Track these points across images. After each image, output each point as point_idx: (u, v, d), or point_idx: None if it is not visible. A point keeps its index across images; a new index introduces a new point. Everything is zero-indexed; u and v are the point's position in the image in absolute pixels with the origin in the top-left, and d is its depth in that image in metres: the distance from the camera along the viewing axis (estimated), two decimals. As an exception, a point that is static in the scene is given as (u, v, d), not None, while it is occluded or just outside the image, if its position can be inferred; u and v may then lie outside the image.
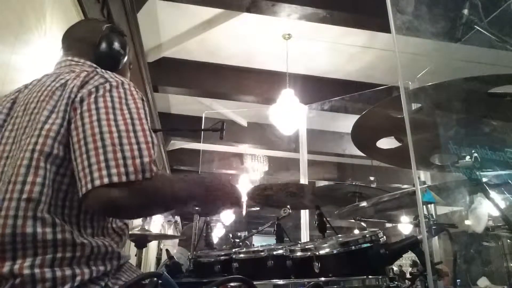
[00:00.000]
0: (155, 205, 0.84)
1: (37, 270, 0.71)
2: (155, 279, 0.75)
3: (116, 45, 1.10)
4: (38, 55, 1.80)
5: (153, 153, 0.78)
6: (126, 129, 0.77)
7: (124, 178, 0.71)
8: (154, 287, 0.74)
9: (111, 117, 0.78)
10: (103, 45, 1.08)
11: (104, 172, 0.71)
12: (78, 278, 0.74)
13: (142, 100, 0.88)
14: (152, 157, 0.77)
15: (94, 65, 1.02)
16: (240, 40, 4.35)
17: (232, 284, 0.89)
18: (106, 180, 0.70)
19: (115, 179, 0.71)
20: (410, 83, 2.27)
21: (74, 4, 2.22)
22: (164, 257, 3.92)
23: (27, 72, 1.73)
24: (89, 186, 0.71)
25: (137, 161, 0.74)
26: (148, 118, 0.86)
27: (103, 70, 0.93)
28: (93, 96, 0.81)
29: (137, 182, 0.73)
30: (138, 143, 0.76)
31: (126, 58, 1.14)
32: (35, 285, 0.70)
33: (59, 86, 0.85)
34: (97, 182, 0.70)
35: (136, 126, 0.79)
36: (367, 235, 1.11)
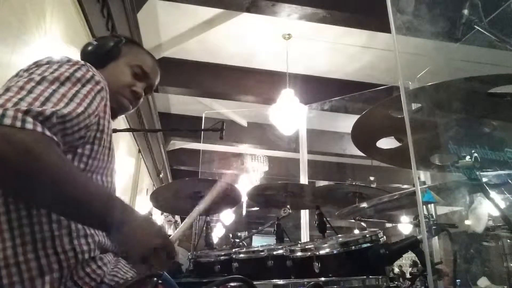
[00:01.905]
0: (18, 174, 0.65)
1: (21, 258, 0.70)
2: (155, 279, 0.74)
3: (98, 41, 1.10)
4: (38, 55, 1.80)
5: (39, 104, 0.70)
6: (21, 86, 0.72)
7: None
8: (154, 287, 0.74)
9: (24, 75, 0.76)
10: (87, 44, 1.10)
11: None
12: (65, 264, 0.73)
13: (92, 78, 0.83)
14: (35, 108, 0.68)
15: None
16: (240, 40, 4.35)
17: (232, 284, 0.89)
18: None
19: None
20: (410, 83, 2.27)
21: (74, 4, 2.22)
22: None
23: (27, 72, 1.73)
24: None
25: (22, 108, 0.67)
26: (80, 93, 0.78)
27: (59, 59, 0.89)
28: (27, 71, 0.79)
29: (9, 127, 0.64)
30: (30, 92, 0.71)
31: (113, 56, 1.08)
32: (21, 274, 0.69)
33: (14, 77, 0.84)
34: None
35: (38, 86, 0.73)
36: (367, 235, 1.11)
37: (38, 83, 0.74)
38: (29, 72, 0.78)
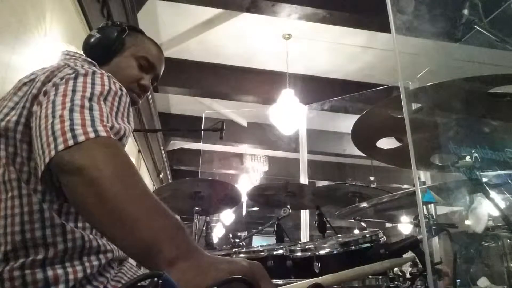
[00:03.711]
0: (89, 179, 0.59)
1: (27, 271, 0.68)
2: (155, 279, 0.74)
3: (101, 33, 1.04)
4: (38, 55, 1.80)
5: (106, 121, 0.68)
6: (82, 104, 0.68)
7: (71, 142, 0.62)
8: (154, 287, 0.73)
9: (70, 93, 0.70)
10: (89, 36, 1.06)
11: (52, 146, 0.63)
12: (71, 277, 0.70)
13: (121, 90, 0.79)
14: (105, 122, 0.67)
15: (78, 55, 0.95)
16: (240, 40, 4.35)
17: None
18: (53, 153, 0.62)
19: (60, 147, 0.61)
20: (410, 83, 2.27)
21: (74, 4, 2.22)
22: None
23: (27, 72, 1.73)
24: (42, 167, 0.64)
25: (88, 122, 0.65)
26: (120, 107, 0.77)
27: (79, 63, 0.86)
28: (56, 86, 0.74)
29: (87, 140, 0.63)
30: (92, 116, 0.67)
31: (118, 49, 1.04)
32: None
33: (27, 82, 0.81)
34: (47, 159, 0.62)
35: (94, 103, 0.70)
36: (367, 235, 1.11)
37: (90, 99, 0.71)
38: (64, 87, 0.73)
